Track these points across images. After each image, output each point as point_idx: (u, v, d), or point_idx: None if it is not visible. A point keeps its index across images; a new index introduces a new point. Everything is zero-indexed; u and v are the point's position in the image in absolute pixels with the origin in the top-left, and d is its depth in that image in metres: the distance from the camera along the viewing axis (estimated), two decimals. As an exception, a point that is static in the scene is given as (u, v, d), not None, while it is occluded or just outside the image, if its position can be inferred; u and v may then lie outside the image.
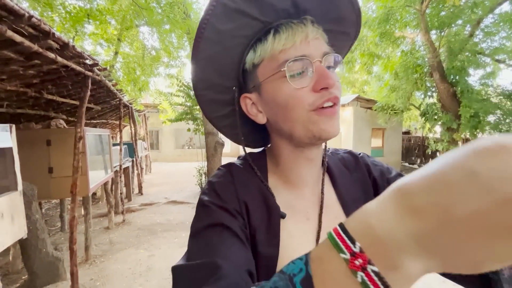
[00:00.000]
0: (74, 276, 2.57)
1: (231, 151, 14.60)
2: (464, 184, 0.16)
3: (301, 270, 0.21)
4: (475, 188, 0.16)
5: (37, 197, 2.85)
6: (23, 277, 3.00)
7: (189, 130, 9.28)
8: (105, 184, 4.62)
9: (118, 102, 4.91)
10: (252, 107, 0.47)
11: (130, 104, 5.83)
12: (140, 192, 7.32)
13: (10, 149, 2.00)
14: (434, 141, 8.82)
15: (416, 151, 12.41)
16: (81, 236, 3.62)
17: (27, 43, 1.52)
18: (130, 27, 7.05)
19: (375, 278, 0.18)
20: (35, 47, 1.60)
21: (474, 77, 9.51)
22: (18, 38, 1.43)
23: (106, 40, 7.51)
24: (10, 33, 1.36)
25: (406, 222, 0.18)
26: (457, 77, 7.78)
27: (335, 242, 0.20)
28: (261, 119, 0.47)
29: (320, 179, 0.50)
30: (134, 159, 6.98)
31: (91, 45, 7.91)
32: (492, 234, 0.16)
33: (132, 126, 6.57)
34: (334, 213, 0.47)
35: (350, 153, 0.56)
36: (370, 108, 10.14)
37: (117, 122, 6.73)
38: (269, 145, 0.53)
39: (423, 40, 8.60)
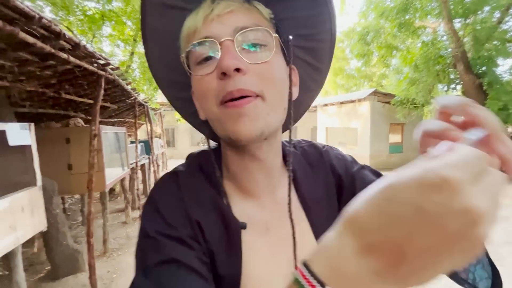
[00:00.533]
0: (91, 268, 2.69)
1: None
2: (414, 221, 0.17)
3: None
4: (425, 225, 0.17)
5: (58, 193, 3.00)
6: (47, 268, 3.17)
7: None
8: (123, 180, 4.78)
9: (133, 101, 5.04)
10: (197, 101, 0.41)
11: (146, 102, 5.97)
12: (157, 188, 7.51)
13: (29, 146, 2.10)
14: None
15: (438, 147, 11.85)
16: (100, 230, 3.78)
17: (39, 44, 1.58)
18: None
19: None
20: (48, 47, 1.66)
21: (503, 67, 8.88)
22: (30, 39, 1.49)
23: (123, 41, 7.74)
24: (22, 34, 1.42)
25: (367, 261, 0.18)
26: (483, 68, 7.30)
27: None
28: (201, 115, 0.41)
29: (280, 182, 0.43)
30: (151, 156, 7.17)
31: (109, 46, 8.19)
32: (441, 262, 0.17)
33: (148, 124, 6.74)
34: (296, 219, 0.41)
35: (313, 146, 0.50)
36: (388, 102, 9.77)
37: (134, 121, 6.94)
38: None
39: (445, 29, 8.13)
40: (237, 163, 0.41)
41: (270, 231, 0.41)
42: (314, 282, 0.19)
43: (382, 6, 8.61)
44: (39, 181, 2.22)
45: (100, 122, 3.54)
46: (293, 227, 0.40)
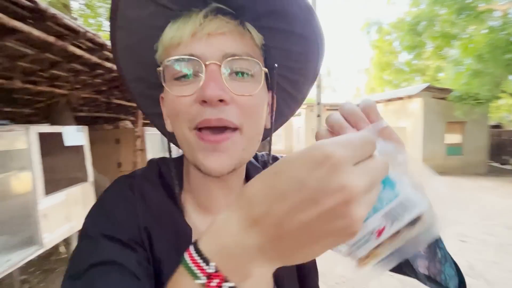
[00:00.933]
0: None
1: (285, 148, 14.52)
2: (294, 194, 0.17)
3: None
4: (304, 200, 0.17)
5: (109, 188, 3.35)
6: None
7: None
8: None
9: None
10: (164, 108, 0.39)
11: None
12: (198, 186, 7.90)
13: (82, 146, 2.39)
14: (536, 136, 7.05)
15: (510, 149, 10.15)
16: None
17: (86, 55, 1.78)
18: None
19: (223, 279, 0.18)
20: (94, 58, 1.86)
21: None
22: (78, 51, 1.68)
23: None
24: (71, 48, 1.61)
25: (250, 235, 0.19)
26: None
27: (188, 268, 0.19)
28: (168, 127, 0.39)
29: None
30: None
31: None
32: (319, 240, 0.18)
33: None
34: None
35: (274, 159, 0.48)
36: (444, 98, 8.70)
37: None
38: None
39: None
40: (199, 181, 0.39)
41: None
42: (198, 260, 0.19)
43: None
44: (90, 177, 2.50)
45: (145, 124, 3.85)
46: None
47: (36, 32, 1.32)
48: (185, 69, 0.32)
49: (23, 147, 1.76)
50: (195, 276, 0.19)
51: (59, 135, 2.04)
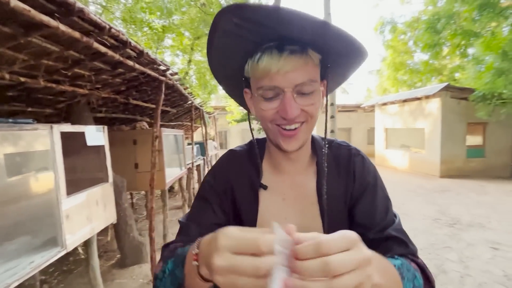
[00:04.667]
0: (153, 260, 2.88)
1: (296, 151, 14.33)
2: (205, 251, 0.38)
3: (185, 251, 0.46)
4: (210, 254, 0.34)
5: (126, 189, 3.33)
6: (117, 256, 3.55)
7: (253, 129, 9.50)
8: (180, 179, 5.11)
9: (190, 105, 5.36)
10: (250, 101, 0.58)
11: (201, 106, 6.31)
12: (210, 188, 7.87)
13: (103, 147, 2.36)
14: None
15: (535, 151, 9.63)
16: (160, 225, 4.07)
17: (110, 53, 1.73)
18: (200, 35, 7.66)
19: (196, 267, 0.38)
20: (117, 56, 1.82)
21: None
22: (103, 49, 1.64)
23: (181, 50, 8.38)
24: (96, 44, 1.56)
25: (205, 249, 0.37)
26: None
27: (193, 248, 0.40)
28: (253, 112, 0.57)
29: (309, 171, 0.61)
30: (205, 157, 7.55)
31: (169, 56, 8.97)
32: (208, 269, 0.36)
33: (203, 126, 7.12)
34: (310, 201, 0.59)
35: (349, 150, 0.62)
36: (465, 98, 8.36)
37: (190, 124, 7.41)
38: None
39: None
40: (276, 155, 0.61)
41: (285, 201, 0.60)
42: (195, 246, 0.39)
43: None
44: (110, 178, 2.47)
45: (161, 125, 3.82)
46: (319, 195, 0.58)
47: (62, 28, 1.28)
48: (270, 94, 0.50)
49: (46, 147, 1.74)
50: (194, 249, 0.39)
51: (80, 135, 2.01)
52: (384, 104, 11.44)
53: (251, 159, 0.62)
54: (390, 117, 11.22)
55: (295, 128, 0.51)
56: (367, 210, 0.56)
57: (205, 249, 0.35)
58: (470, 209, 5.26)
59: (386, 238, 0.53)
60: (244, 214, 0.58)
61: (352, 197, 0.58)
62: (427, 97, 8.89)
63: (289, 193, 0.60)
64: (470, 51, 9.28)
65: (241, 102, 0.66)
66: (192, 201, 4.77)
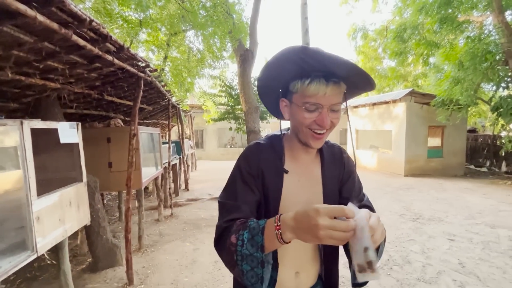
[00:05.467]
0: (128, 263, 2.79)
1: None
2: (303, 220, 0.58)
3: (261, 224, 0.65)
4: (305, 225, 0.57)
5: (99, 189, 3.17)
6: (88, 260, 3.36)
7: (231, 129, 9.49)
8: (156, 179, 4.96)
9: (167, 103, 5.23)
10: (284, 108, 0.79)
11: (178, 104, 6.17)
12: (187, 188, 7.73)
13: (77, 144, 2.23)
14: (511, 140, 7.52)
15: (484, 152, 10.77)
16: (135, 227, 3.93)
17: (89, 46, 1.66)
18: (178, 31, 7.48)
19: (279, 234, 0.61)
20: (96, 50, 1.74)
21: None
22: (81, 42, 1.56)
23: (156, 46, 8.10)
24: (74, 37, 1.49)
25: (290, 223, 0.59)
26: (542, 64, 6.48)
27: (273, 219, 0.63)
28: (286, 116, 0.80)
29: (315, 161, 0.85)
30: (181, 156, 7.39)
31: (144, 51, 8.62)
32: (304, 234, 0.57)
33: (179, 125, 6.96)
34: (316, 181, 0.83)
35: (340, 150, 0.90)
36: (427, 103, 9.09)
37: (167, 122, 7.20)
38: (289, 131, 0.86)
39: (495, 23, 7.37)
40: (297, 148, 0.82)
41: (300, 183, 0.81)
42: (277, 219, 0.62)
43: (421, 0, 8.04)
44: (84, 178, 2.35)
45: (137, 123, 3.69)
46: (324, 179, 0.84)
47: (40, 18, 1.21)
48: (313, 108, 0.70)
49: (14, 144, 1.61)
50: (275, 221, 0.62)
51: (51, 132, 1.89)
52: (356, 106, 12.04)
53: (275, 150, 0.80)
54: (361, 119, 11.84)
55: (323, 133, 0.73)
56: (350, 188, 0.86)
57: (298, 218, 0.57)
58: (430, 204, 5.75)
59: (363, 206, 0.82)
60: (271, 192, 0.76)
61: (342, 180, 0.86)
62: (394, 101, 9.53)
63: (302, 176, 0.82)
64: (432, 60, 10.12)
65: (269, 105, 0.87)
66: (170, 202, 4.68)
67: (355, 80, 0.70)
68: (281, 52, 0.67)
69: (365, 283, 0.69)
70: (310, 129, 0.72)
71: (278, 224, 0.60)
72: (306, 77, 0.68)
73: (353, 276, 0.72)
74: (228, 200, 0.75)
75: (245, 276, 0.63)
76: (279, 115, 0.83)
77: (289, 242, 0.60)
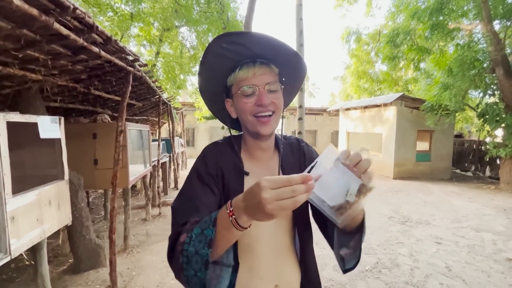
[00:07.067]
0: (112, 264, 2.67)
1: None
2: (251, 198, 0.50)
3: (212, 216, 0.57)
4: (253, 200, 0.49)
5: (83, 187, 3.04)
6: (70, 261, 3.22)
7: (223, 128, 9.39)
8: (144, 177, 4.82)
9: (157, 99, 5.10)
10: (230, 107, 0.77)
11: (169, 101, 6.04)
12: (176, 186, 7.59)
13: (59, 140, 2.11)
14: (495, 146, 7.73)
15: (470, 157, 11.06)
16: (121, 226, 3.80)
17: (73, 36, 1.56)
18: (171, 27, 7.32)
19: (234, 220, 0.53)
20: (81, 40, 1.64)
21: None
22: (64, 31, 1.47)
23: (148, 41, 7.92)
24: (57, 25, 1.39)
25: (241, 204, 0.52)
26: (527, 73, 6.69)
27: (226, 207, 0.55)
28: (233, 115, 0.77)
29: (273, 157, 0.82)
30: (171, 155, 7.25)
31: (135, 46, 8.41)
32: (256, 212, 0.49)
33: (170, 123, 6.82)
34: (276, 175, 0.77)
35: (297, 140, 0.88)
36: (416, 108, 9.25)
37: (157, 119, 7.05)
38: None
39: (483, 32, 7.56)
40: (252, 144, 0.78)
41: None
42: (229, 205, 0.54)
43: (414, 6, 8.16)
44: (66, 175, 2.23)
45: (126, 119, 3.57)
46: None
47: (17, 2, 1.11)
48: (249, 91, 0.69)
49: (-12, 137, 1.50)
50: (227, 208, 0.54)
51: (30, 126, 1.78)
52: (348, 109, 12.15)
53: (234, 150, 0.78)
54: (352, 121, 11.95)
55: (269, 116, 0.70)
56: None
57: (247, 198, 0.51)
58: (418, 208, 5.83)
59: None
60: (232, 194, 0.70)
61: (304, 167, 0.83)
62: (385, 104, 9.65)
63: (262, 175, 0.75)
64: (422, 65, 10.30)
65: (220, 115, 0.86)
66: (159, 201, 4.57)
67: (287, 64, 0.72)
68: (206, 49, 0.68)
69: (355, 266, 0.71)
70: (254, 116, 0.70)
71: (231, 210, 0.53)
72: (236, 67, 0.70)
73: (341, 263, 0.72)
74: (184, 204, 0.68)
75: (190, 285, 0.56)
76: (229, 122, 0.82)
77: (249, 226, 0.54)
